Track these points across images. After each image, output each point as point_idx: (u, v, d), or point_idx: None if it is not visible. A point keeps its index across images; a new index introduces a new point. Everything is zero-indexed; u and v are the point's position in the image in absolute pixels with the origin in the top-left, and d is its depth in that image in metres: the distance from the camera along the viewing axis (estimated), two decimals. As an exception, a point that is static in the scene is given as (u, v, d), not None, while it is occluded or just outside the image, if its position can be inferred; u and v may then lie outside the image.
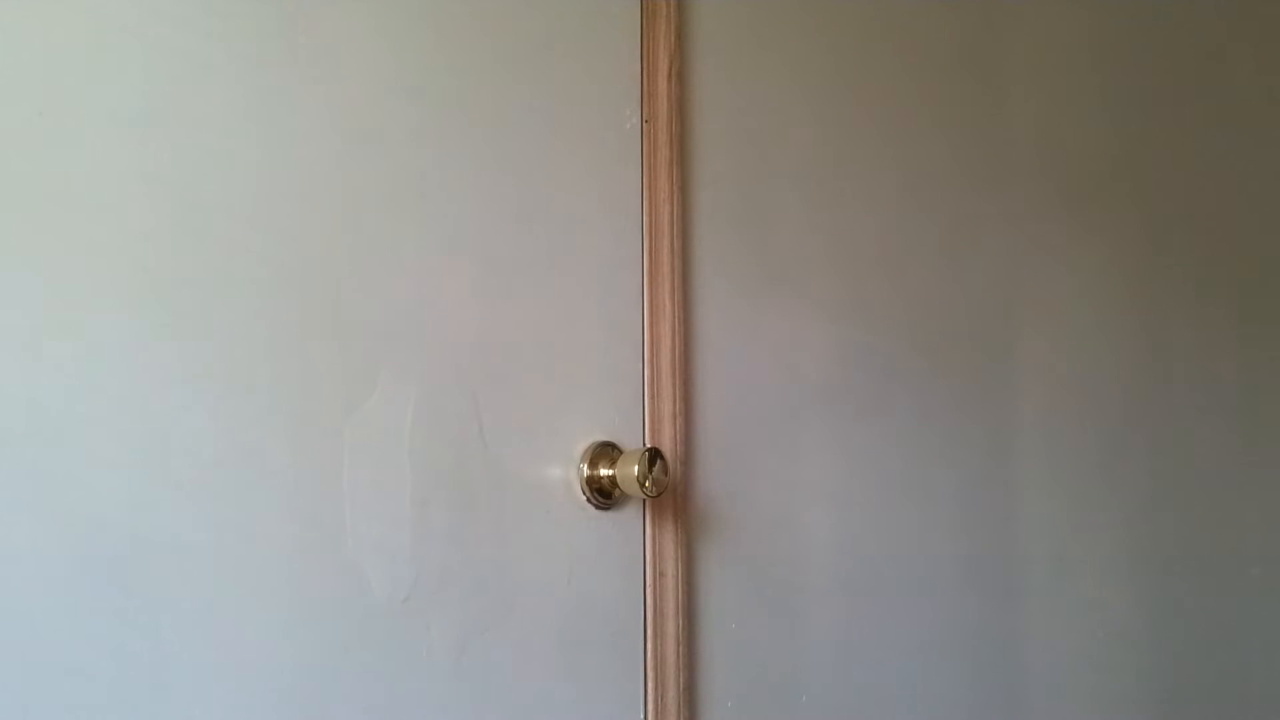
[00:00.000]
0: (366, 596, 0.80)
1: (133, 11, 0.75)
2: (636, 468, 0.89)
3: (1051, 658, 1.26)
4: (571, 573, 0.91)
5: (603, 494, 0.93)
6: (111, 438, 0.71)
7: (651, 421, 0.97)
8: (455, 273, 0.88)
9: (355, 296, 0.82)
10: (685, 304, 1.00)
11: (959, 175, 1.26)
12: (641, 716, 0.94)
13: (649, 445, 0.95)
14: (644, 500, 0.94)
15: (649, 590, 0.95)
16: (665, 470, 0.90)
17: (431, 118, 0.88)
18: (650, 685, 0.94)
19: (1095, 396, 1.35)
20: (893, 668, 1.13)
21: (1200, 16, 1.54)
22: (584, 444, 0.93)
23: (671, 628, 0.96)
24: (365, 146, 0.84)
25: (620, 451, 0.94)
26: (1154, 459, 1.40)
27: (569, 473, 0.92)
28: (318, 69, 0.83)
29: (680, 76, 1.02)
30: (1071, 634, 1.29)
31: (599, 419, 0.94)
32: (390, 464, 0.83)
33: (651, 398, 0.97)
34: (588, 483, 0.92)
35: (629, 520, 0.95)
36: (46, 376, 0.70)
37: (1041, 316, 1.31)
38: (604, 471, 0.92)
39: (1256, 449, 1.50)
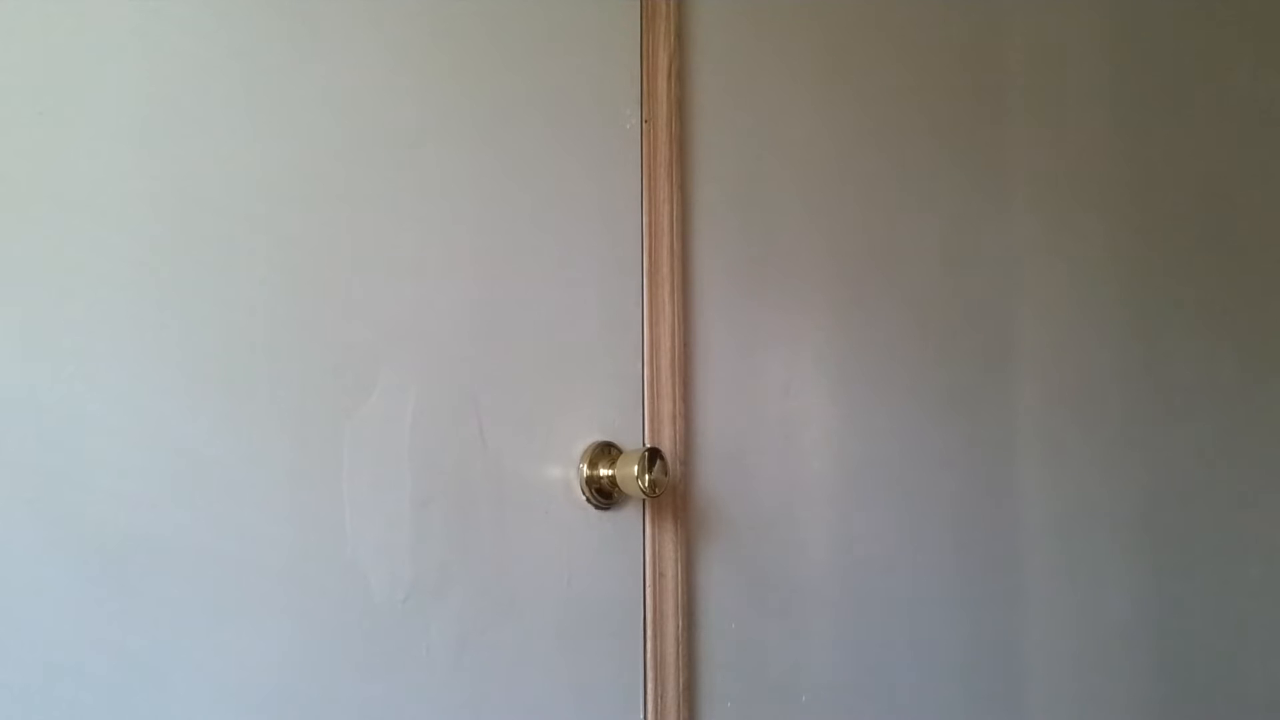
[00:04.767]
0: (366, 596, 0.80)
1: (133, 12, 0.75)
2: (636, 468, 0.89)
3: (1051, 658, 1.26)
4: (571, 573, 0.91)
5: (603, 494, 0.93)
6: (111, 438, 0.71)
7: (651, 421, 0.97)
8: (455, 273, 0.88)
9: (355, 296, 0.82)
10: (685, 304, 1.00)
11: (959, 175, 1.26)
12: (641, 716, 0.94)
13: (649, 445, 0.95)
14: (644, 500, 0.94)
15: (649, 590, 0.95)
16: (665, 470, 0.90)
17: (431, 118, 0.88)
18: (650, 685, 0.94)
19: (1094, 396, 1.35)
20: (893, 668, 1.13)
21: (1201, 17, 1.54)
22: (584, 444, 0.93)
23: (671, 628, 0.96)
24: (365, 146, 0.84)
25: (620, 451, 0.94)
26: (1153, 459, 1.40)
27: (569, 473, 0.92)
28: (317, 70, 0.83)
29: (680, 76, 1.02)
30: (1071, 634, 1.29)
31: (599, 419, 0.94)
32: (390, 464, 0.83)
33: (651, 398, 0.97)
34: (587, 483, 0.92)
35: (629, 520, 0.95)
36: (46, 376, 0.70)
37: (1040, 316, 1.31)
38: (604, 471, 0.92)
39: (1256, 449, 1.50)
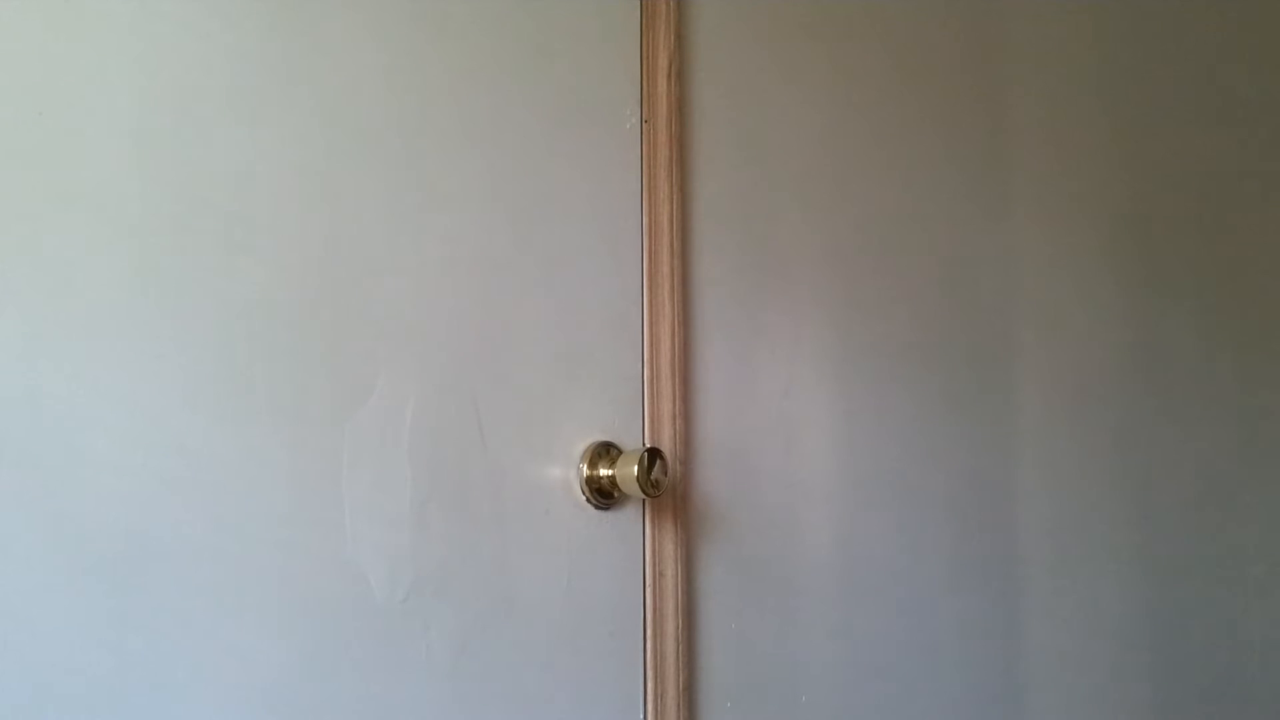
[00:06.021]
0: (366, 596, 0.80)
1: (133, 11, 0.75)
2: (636, 468, 0.89)
3: (1051, 657, 1.26)
4: (571, 573, 0.91)
5: (602, 494, 0.93)
6: (111, 438, 0.71)
7: (651, 421, 0.97)
8: (455, 273, 0.88)
9: (355, 296, 0.82)
10: (685, 304, 1.00)
11: (958, 175, 1.26)
12: (641, 716, 0.94)
13: (649, 445, 0.95)
14: (644, 500, 0.94)
15: (648, 590, 0.95)
16: (665, 470, 0.90)
17: (431, 118, 0.88)
18: (650, 685, 0.94)
19: (1094, 396, 1.35)
20: (893, 668, 1.13)
21: (1200, 17, 1.54)
22: (584, 444, 0.93)
23: (671, 628, 0.96)
24: (365, 147, 0.84)
25: (620, 451, 0.94)
26: (1153, 458, 1.40)
27: (569, 473, 0.92)
28: (317, 70, 0.83)
29: (680, 76, 1.02)
30: (1071, 634, 1.29)
31: (599, 419, 0.94)
32: (390, 464, 0.83)
33: (651, 398, 0.97)
34: (587, 483, 0.92)
35: (629, 520, 0.95)
36: (46, 376, 0.70)
37: (1040, 316, 1.31)
38: (604, 471, 0.92)
39: (1255, 449, 1.50)
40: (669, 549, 0.96)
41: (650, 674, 0.94)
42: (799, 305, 1.10)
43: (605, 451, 0.93)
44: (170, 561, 0.73)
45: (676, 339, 0.99)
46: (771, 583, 1.04)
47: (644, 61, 1.00)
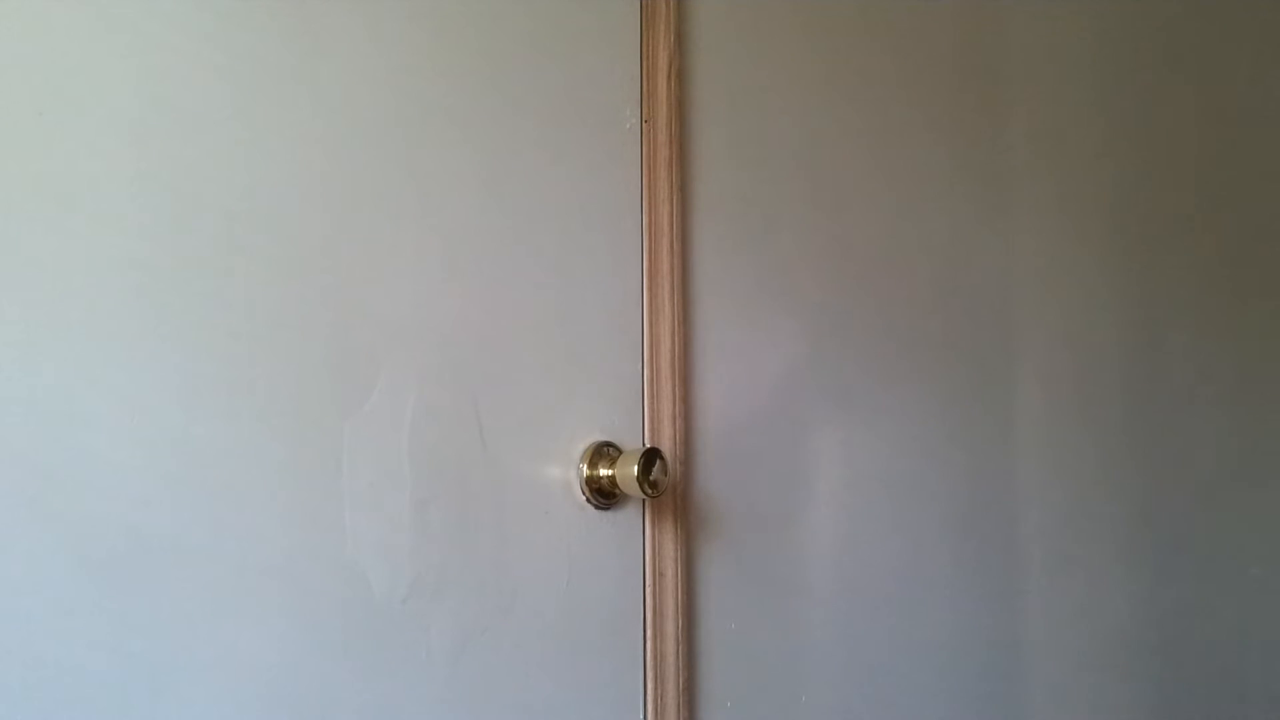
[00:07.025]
0: (366, 597, 0.80)
1: (132, 11, 0.75)
2: (636, 468, 0.89)
3: (1051, 658, 1.26)
4: (571, 573, 0.91)
5: (602, 494, 0.93)
6: (111, 437, 0.71)
7: (651, 421, 0.97)
8: (455, 272, 0.88)
9: (355, 296, 0.82)
10: (685, 304, 1.00)
11: (958, 175, 1.26)
12: (641, 716, 0.94)
13: (649, 445, 0.95)
14: (644, 500, 0.94)
15: (648, 590, 0.95)
16: (665, 470, 0.90)
17: (431, 118, 0.88)
18: (650, 685, 0.94)
19: (1094, 397, 1.35)
20: (892, 668, 1.13)
21: (1200, 16, 1.54)
22: (584, 444, 0.93)
23: (671, 628, 0.96)
24: (365, 147, 0.84)
25: (620, 451, 0.94)
26: (1153, 459, 1.40)
27: (568, 473, 0.92)
28: (316, 70, 0.83)
29: (680, 76, 1.02)
30: (1071, 634, 1.29)
31: (599, 419, 0.94)
32: (390, 464, 0.83)
33: (651, 398, 0.97)
34: (587, 483, 0.92)
35: (629, 520, 0.95)
36: (46, 376, 0.70)
37: (1040, 317, 1.31)
38: (604, 472, 0.92)
39: (1256, 449, 1.50)
40: (669, 549, 0.96)
41: (650, 674, 0.94)
42: (799, 304, 1.10)
43: (605, 451, 0.93)
44: (170, 561, 0.73)
45: (676, 339, 0.99)
46: (771, 583, 1.04)
47: (644, 61, 1.00)
